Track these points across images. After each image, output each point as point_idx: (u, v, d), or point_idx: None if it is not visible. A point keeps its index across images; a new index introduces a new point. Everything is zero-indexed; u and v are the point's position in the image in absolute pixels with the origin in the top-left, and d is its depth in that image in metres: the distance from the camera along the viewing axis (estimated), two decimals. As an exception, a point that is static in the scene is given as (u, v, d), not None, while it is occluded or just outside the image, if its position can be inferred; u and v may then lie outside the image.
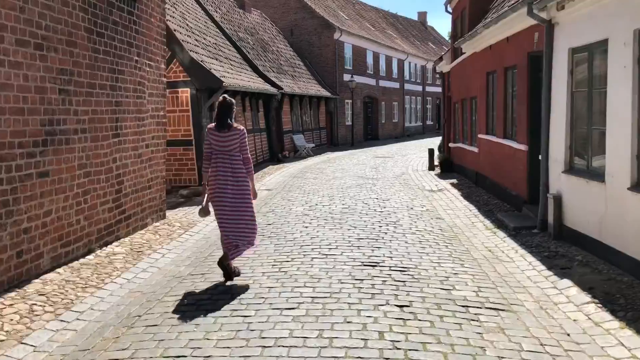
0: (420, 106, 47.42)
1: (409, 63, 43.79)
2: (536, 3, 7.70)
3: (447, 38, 71.42)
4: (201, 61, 13.38)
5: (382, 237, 7.99)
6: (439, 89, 55.16)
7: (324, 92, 27.93)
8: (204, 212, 6.15)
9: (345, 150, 27.56)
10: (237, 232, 5.93)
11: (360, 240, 7.82)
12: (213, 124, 5.92)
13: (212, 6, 22.38)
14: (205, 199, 6.07)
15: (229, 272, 5.93)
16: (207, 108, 13.16)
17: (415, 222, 9.20)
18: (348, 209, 10.35)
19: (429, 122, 49.36)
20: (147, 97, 8.72)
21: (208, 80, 12.93)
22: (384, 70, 38.72)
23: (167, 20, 12.83)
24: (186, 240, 8.32)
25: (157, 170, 9.30)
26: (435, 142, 35.00)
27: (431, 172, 17.36)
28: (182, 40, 13.04)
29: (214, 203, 5.90)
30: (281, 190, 13.33)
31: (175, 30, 13.15)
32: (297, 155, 23.83)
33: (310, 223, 9.09)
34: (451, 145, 17.04)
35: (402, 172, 17.12)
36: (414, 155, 23.84)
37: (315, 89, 27.21)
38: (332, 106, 30.70)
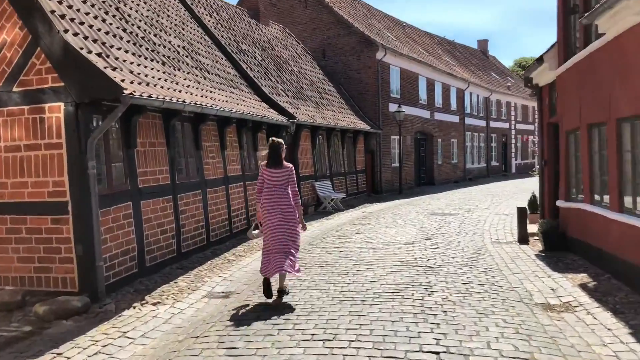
0: (484, 144, 40.12)
1: (470, 94, 36.88)
2: None
3: (509, 68, 64.23)
4: (99, 54, 7.12)
5: None
6: (506, 124, 47.88)
7: (362, 125, 21.39)
8: (257, 235, 7.09)
9: (389, 201, 20.71)
10: (283, 258, 6.55)
11: None
12: (264, 162, 6.79)
13: (205, 9, 16.53)
14: (260, 223, 6.83)
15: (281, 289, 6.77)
16: (96, 141, 6.77)
17: None
18: None
19: (494, 163, 41.90)
20: None
21: (96, 87, 6.59)
22: (440, 100, 31.95)
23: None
24: None
25: None
26: (507, 188, 27.59)
27: (525, 247, 10.39)
28: (54, 14, 6.83)
29: (266, 231, 6.65)
30: (218, 321, 6.66)
31: (48, -4, 6.99)
32: (320, 209, 17.24)
33: None
34: (562, 204, 10.00)
35: (476, 247, 10.19)
36: (487, 210, 16.77)
37: (349, 120, 20.73)
38: (373, 143, 24.09)
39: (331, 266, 8.66)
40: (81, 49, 6.78)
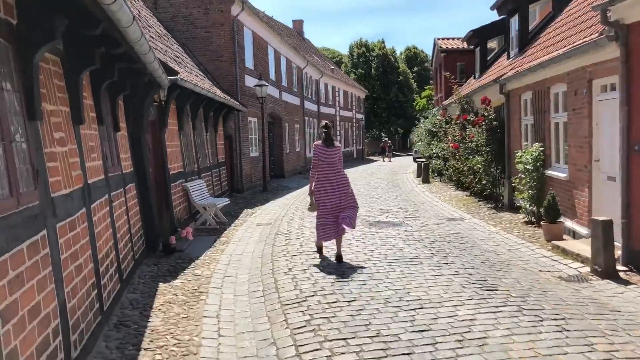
0: (316, 130, 36.55)
1: (306, 74, 32.85)
2: None
3: (322, 53, 62.44)
4: None
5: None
6: (332, 110, 45.00)
7: (233, 101, 15.39)
8: (313, 208, 7.80)
9: (266, 203, 15.36)
10: (343, 218, 7.58)
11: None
12: (319, 141, 7.74)
13: None
14: (312, 199, 7.76)
15: (340, 255, 7.54)
16: None
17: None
18: None
19: (324, 152, 38.66)
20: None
21: None
22: (285, 79, 27.18)
23: None
24: None
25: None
26: (365, 177, 23.89)
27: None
28: None
29: (323, 200, 7.59)
30: None
31: None
32: (199, 225, 11.12)
33: None
34: None
35: (593, 301, 5.62)
36: (421, 213, 12.44)
37: (218, 91, 14.68)
38: (231, 126, 18.25)
39: None
40: None
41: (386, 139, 56.74)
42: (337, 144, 7.71)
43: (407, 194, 17.16)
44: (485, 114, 13.29)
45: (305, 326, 5.11)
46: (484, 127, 13.19)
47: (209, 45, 18.39)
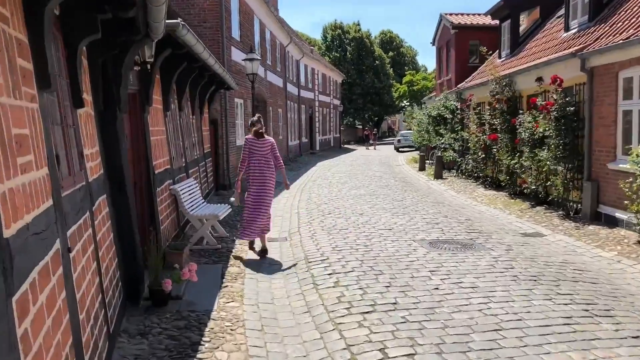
0: (297, 116, 33.26)
1: (288, 52, 29.53)
2: None
3: (300, 34, 58.55)
4: None
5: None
6: (311, 95, 41.64)
7: (226, 74, 11.98)
8: (238, 201, 7.99)
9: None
10: (266, 217, 7.77)
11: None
12: (250, 135, 7.68)
13: None
14: (238, 191, 7.89)
15: (265, 249, 7.62)
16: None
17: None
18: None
19: (304, 140, 35.57)
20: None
21: None
22: (269, 56, 23.82)
23: None
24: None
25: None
26: (367, 170, 20.51)
27: None
28: None
29: (255, 192, 7.57)
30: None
31: None
32: (194, 244, 7.85)
33: None
34: None
35: None
36: (485, 225, 9.54)
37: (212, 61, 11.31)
38: (216, 109, 14.91)
39: None
40: None
41: (370, 125, 54.10)
42: (267, 137, 7.72)
43: (432, 195, 14.26)
44: (555, 96, 10.42)
45: None
46: (554, 113, 10.33)
47: (190, 8, 14.93)
